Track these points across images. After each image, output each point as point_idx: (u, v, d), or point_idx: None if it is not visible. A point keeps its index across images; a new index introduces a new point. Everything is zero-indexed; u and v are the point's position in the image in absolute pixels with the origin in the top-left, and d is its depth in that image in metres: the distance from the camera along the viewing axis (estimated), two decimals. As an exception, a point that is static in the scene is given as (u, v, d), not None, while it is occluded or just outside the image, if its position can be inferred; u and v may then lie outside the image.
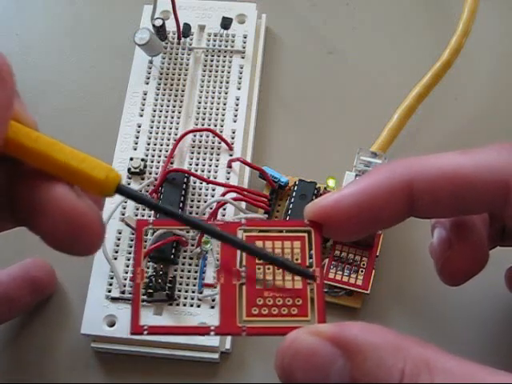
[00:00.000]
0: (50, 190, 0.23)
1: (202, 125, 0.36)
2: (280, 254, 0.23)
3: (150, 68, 0.38)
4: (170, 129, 0.36)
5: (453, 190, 0.23)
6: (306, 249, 0.23)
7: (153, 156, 0.36)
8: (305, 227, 0.23)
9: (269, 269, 0.23)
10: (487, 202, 0.24)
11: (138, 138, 0.36)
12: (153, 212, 0.34)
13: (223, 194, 0.34)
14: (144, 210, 0.34)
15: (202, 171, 0.35)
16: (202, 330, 0.23)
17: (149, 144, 0.36)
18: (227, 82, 0.37)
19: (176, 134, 0.36)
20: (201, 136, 0.36)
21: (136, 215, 0.34)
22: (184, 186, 0.34)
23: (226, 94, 0.37)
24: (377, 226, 0.25)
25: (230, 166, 0.35)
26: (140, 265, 0.23)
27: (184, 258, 0.33)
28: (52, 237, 0.23)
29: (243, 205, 0.34)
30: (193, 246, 0.33)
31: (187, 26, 0.38)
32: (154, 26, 0.36)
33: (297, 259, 0.23)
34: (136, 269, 0.23)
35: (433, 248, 0.28)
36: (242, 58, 0.38)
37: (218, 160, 0.35)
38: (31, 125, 0.24)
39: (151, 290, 0.32)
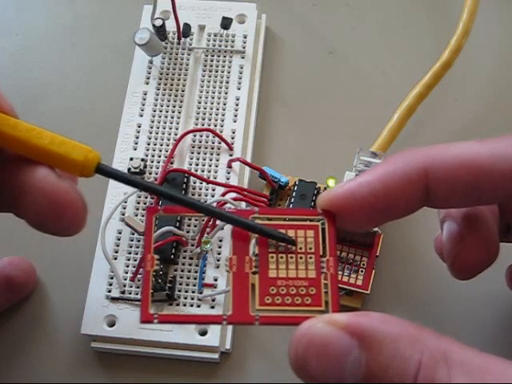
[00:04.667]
0: (31, 172, 0.23)
1: (202, 125, 0.36)
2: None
3: (150, 68, 0.38)
4: (170, 129, 0.36)
5: (469, 178, 0.23)
6: (320, 238, 0.23)
7: (153, 156, 0.36)
8: (318, 216, 0.23)
9: (282, 257, 0.23)
10: (503, 192, 0.24)
11: (138, 138, 0.36)
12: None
13: (223, 194, 0.34)
14: (144, 210, 0.34)
15: (202, 171, 0.35)
16: (214, 319, 0.23)
17: (149, 144, 0.36)
18: (227, 82, 0.37)
19: (176, 134, 0.36)
20: (201, 136, 0.36)
21: (136, 215, 0.34)
22: (184, 186, 0.34)
23: (226, 94, 0.37)
24: (391, 216, 0.24)
25: (230, 166, 0.35)
26: (150, 252, 0.22)
27: (184, 258, 0.33)
28: (35, 217, 0.24)
29: (243, 205, 0.34)
30: (193, 246, 0.33)
31: (187, 26, 0.38)
32: (154, 25, 0.36)
33: (310, 248, 0.23)
34: (146, 256, 0.22)
35: (442, 242, 0.27)
36: (242, 57, 0.38)
37: (217, 160, 0.35)
38: (9, 112, 0.24)
39: (151, 290, 0.32)
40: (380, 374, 0.19)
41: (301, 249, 0.23)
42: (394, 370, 0.19)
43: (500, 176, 0.23)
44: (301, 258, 0.23)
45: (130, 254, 0.33)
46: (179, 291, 0.32)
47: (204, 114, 0.37)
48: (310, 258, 0.23)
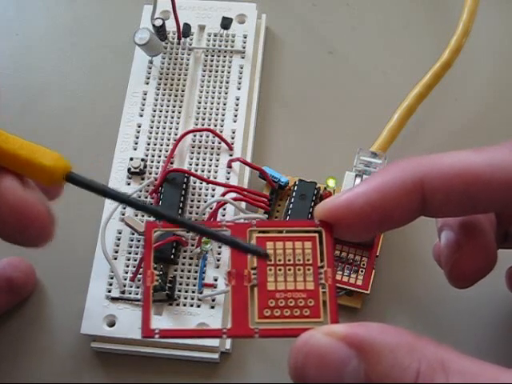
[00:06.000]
0: None
1: (202, 125, 0.36)
2: (291, 255, 0.23)
3: (150, 68, 0.38)
4: (170, 129, 0.36)
5: (466, 188, 0.23)
6: (317, 249, 0.23)
7: (153, 156, 0.36)
8: (315, 227, 0.23)
9: (280, 270, 0.23)
10: (500, 201, 0.24)
11: (138, 138, 0.36)
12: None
13: (223, 194, 0.33)
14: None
15: (202, 171, 0.35)
16: (214, 333, 0.23)
17: (149, 144, 0.36)
18: (227, 82, 0.37)
19: (176, 134, 0.36)
20: (201, 136, 0.36)
21: (136, 215, 0.34)
22: (184, 185, 0.34)
23: (226, 94, 0.37)
24: (388, 226, 0.24)
25: (230, 166, 0.35)
26: (150, 267, 0.22)
27: (184, 257, 0.33)
28: (0, 227, 0.23)
29: (243, 205, 0.34)
30: (193, 246, 0.33)
31: (187, 26, 0.38)
32: (154, 25, 0.36)
33: (308, 260, 0.23)
34: (146, 272, 0.22)
35: (440, 251, 0.27)
36: (242, 57, 0.38)
37: (217, 160, 0.35)
38: None
39: (151, 290, 0.32)
40: (379, 383, 0.19)
41: (299, 260, 0.23)
42: (392, 379, 0.19)
43: (496, 185, 0.23)
44: (299, 269, 0.23)
45: (130, 254, 0.33)
46: (179, 291, 0.32)
47: (204, 114, 0.37)
48: (308, 269, 0.23)
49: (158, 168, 0.35)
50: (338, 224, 0.23)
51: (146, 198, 0.34)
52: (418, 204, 0.23)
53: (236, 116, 0.36)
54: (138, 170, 0.35)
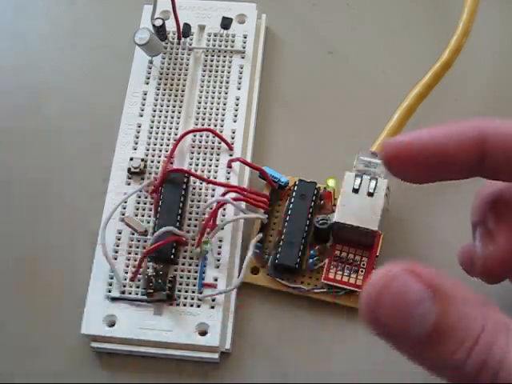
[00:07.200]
0: None
1: (202, 125, 0.36)
2: None
3: (150, 68, 0.38)
4: (170, 129, 0.36)
5: None
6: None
7: (153, 156, 0.36)
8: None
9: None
10: None
11: (138, 138, 0.36)
12: (152, 212, 0.34)
13: (223, 194, 0.33)
14: (144, 210, 0.34)
15: (202, 171, 0.35)
16: None
17: (149, 144, 0.36)
18: (227, 82, 0.37)
19: (176, 134, 0.36)
20: (201, 136, 0.36)
21: (136, 215, 0.34)
22: (184, 185, 0.34)
23: (226, 94, 0.37)
24: (442, 175, 0.25)
25: (230, 166, 0.35)
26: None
27: (184, 257, 0.33)
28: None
29: (243, 205, 0.34)
30: (193, 246, 0.33)
31: (187, 26, 0.38)
32: (154, 25, 0.36)
33: None
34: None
35: (469, 252, 0.28)
36: (242, 57, 0.38)
37: (217, 160, 0.35)
38: None
39: (151, 290, 0.32)
40: (446, 330, 0.19)
41: None
42: (459, 330, 0.19)
43: None
44: None
45: (130, 254, 0.33)
46: (179, 291, 0.32)
47: (204, 114, 0.37)
48: None
49: (157, 168, 0.35)
50: (400, 158, 0.24)
51: (146, 198, 0.34)
52: (477, 157, 0.24)
53: (236, 116, 0.36)
54: (138, 170, 0.35)
